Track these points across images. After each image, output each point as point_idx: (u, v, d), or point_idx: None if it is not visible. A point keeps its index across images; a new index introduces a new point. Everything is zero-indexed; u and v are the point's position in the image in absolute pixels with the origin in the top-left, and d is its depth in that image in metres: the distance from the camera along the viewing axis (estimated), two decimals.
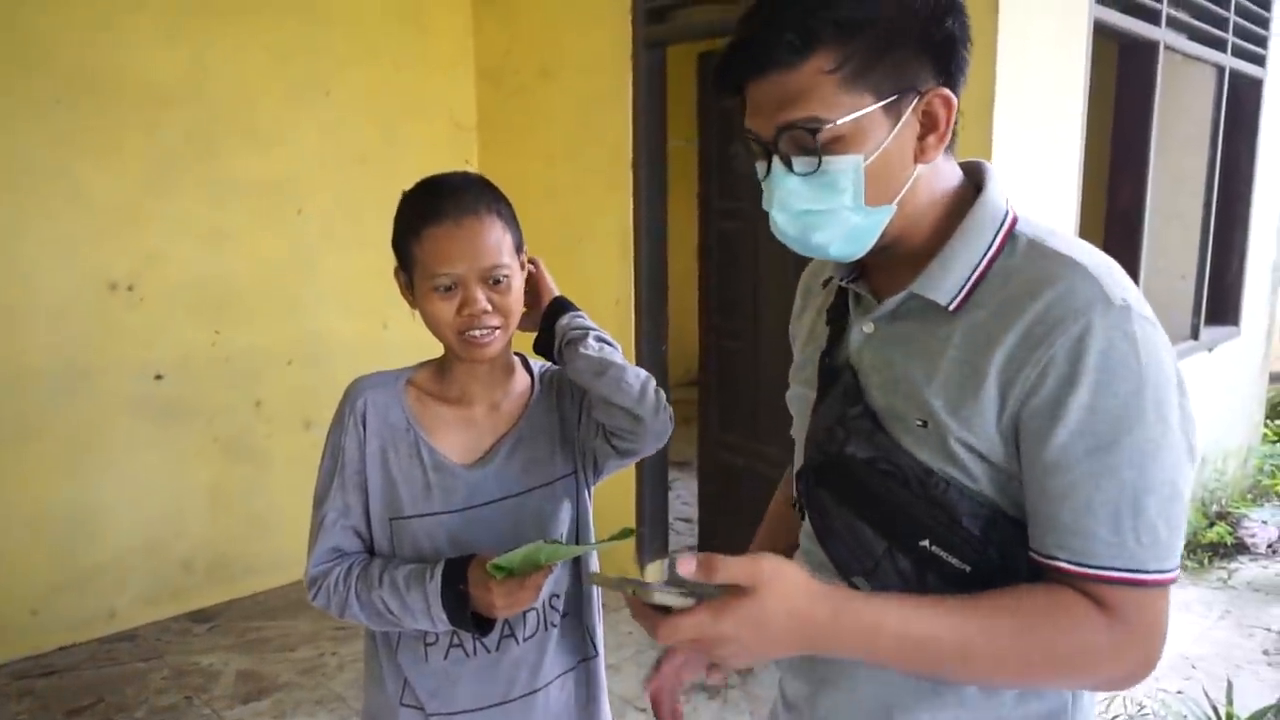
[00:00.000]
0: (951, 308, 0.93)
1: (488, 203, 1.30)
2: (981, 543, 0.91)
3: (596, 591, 1.51)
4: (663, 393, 1.36)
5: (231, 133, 3.72)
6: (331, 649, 3.46)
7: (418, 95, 4.25)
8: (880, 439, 0.96)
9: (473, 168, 4.43)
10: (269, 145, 3.83)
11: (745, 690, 3.13)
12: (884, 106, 0.88)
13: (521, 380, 1.45)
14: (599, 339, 1.35)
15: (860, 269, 1.05)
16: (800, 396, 1.13)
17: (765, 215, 0.97)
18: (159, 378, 3.62)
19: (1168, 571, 0.87)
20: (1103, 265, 0.90)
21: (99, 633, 3.55)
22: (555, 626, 1.43)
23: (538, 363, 1.47)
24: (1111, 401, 0.84)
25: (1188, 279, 4.48)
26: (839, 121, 0.88)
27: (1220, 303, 4.83)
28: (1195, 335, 4.52)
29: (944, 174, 0.96)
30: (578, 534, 1.46)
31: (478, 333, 1.28)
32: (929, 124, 0.91)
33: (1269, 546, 4.41)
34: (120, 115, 3.43)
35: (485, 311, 1.27)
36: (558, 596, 1.44)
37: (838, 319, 1.08)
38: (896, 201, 0.93)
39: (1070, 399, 0.84)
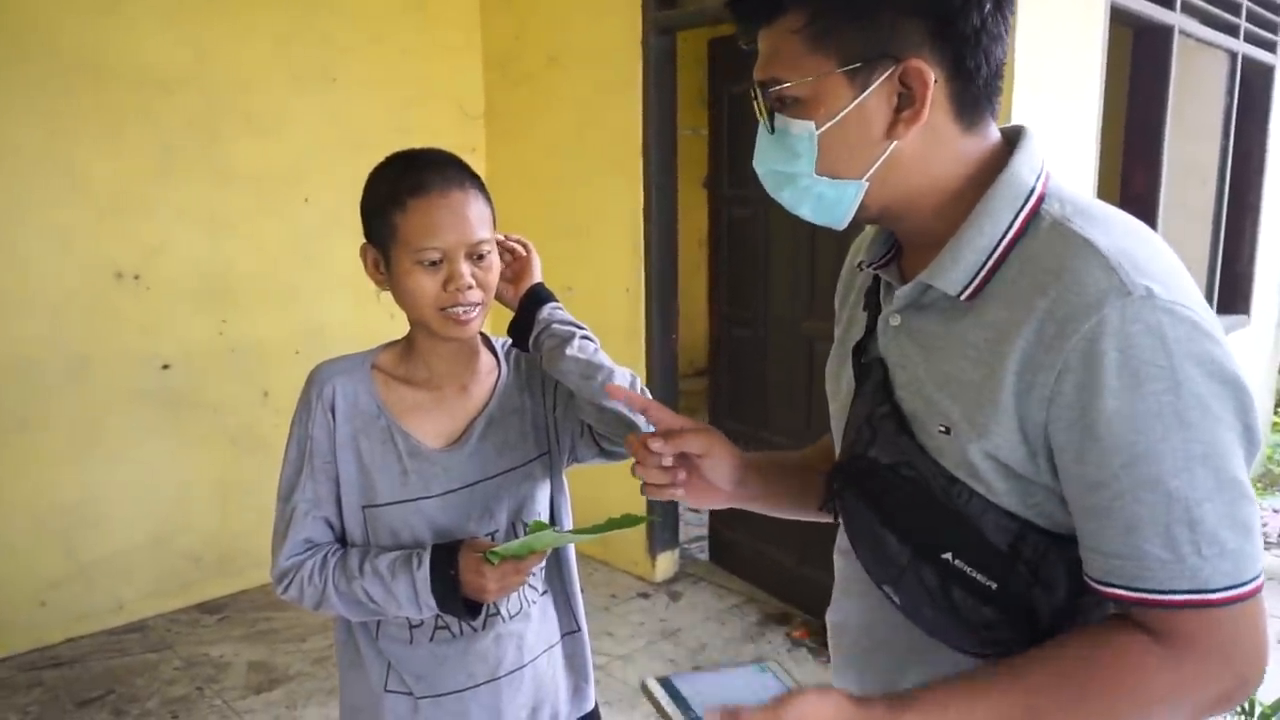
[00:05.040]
0: (964, 297, 0.85)
1: (469, 176, 1.30)
2: (1009, 559, 0.84)
3: (575, 565, 1.51)
4: (648, 393, 1.33)
5: (234, 120, 3.68)
6: None
7: (424, 82, 4.21)
8: (904, 443, 0.90)
9: (480, 155, 4.39)
10: (273, 132, 3.79)
11: None
12: (847, 73, 0.82)
13: (487, 360, 1.43)
14: (585, 338, 1.33)
15: (895, 249, 0.98)
16: (833, 385, 1.08)
17: (775, 202, 0.94)
18: (166, 367, 3.59)
19: (1245, 585, 0.77)
20: (1126, 247, 0.79)
21: (107, 624, 3.53)
22: (535, 604, 1.43)
23: (499, 340, 1.46)
24: (1142, 406, 0.75)
25: (1193, 269, 4.46)
26: (791, 84, 0.85)
27: (1231, 292, 4.80)
28: None
29: (963, 151, 0.87)
30: (553, 515, 1.46)
31: (460, 309, 1.26)
32: (907, 98, 0.83)
33: None
34: (121, 102, 3.40)
35: (470, 287, 1.25)
36: (534, 574, 1.43)
37: (873, 306, 1.01)
38: (867, 177, 0.86)
39: (1096, 408, 0.76)
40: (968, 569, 0.86)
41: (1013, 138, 0.91)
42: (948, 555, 0.87)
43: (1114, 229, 0.82)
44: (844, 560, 1.08)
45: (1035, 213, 0.85)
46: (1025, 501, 0.84)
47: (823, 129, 0.85)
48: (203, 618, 3.65)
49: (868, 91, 0.83)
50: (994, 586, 0.85)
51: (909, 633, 0.96)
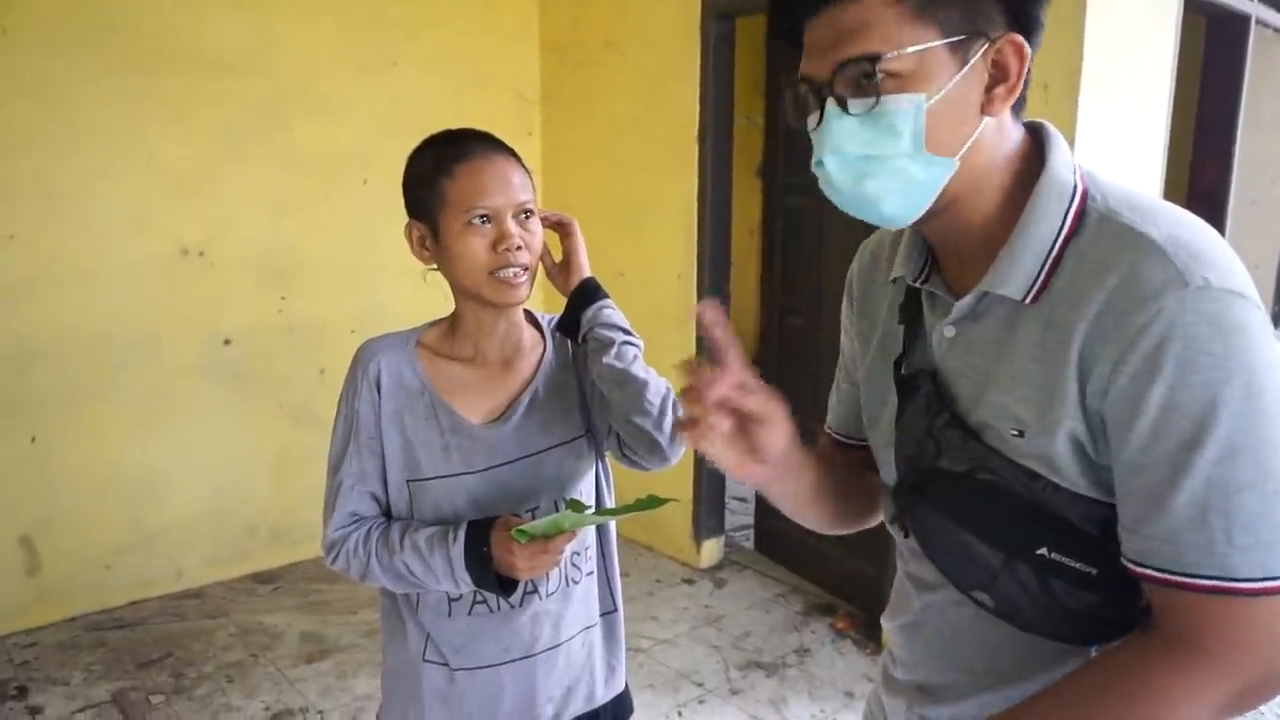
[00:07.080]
0: (1028, 301, 0.86)
1: (506, 146, 1.35)
2: (1102, 541, 0.85)
3: (616, 547, 1.53)
4: (679, 408, 1.33)
5: (299, 103, 3.76)
6: None
7: (483, 67, 4.25)
8: (973, 448, 0.90)
9: (536, 140, 4.43)
10: (336, 116, 3.86)
11: (804, 670, 3.11)
12: (950, 45, 0.82)
13: (532, 336, 1.45)
14: (626, 343, 1.35)
15: (931, 263, 0.98)
16: (875, 403, 1.07)
17: None
18: (228, 343, 3.69)
19: (1274, 579, 0.77)
20: (1178, 236, 0.80)
21: (167, 589, 3.66)
22: (577, 583, 1.44)
23: (544, 316, 1.48)
24: (1191, 395, 0.76)
25: (1262, 268, 4.33)
26: (902, 54, 0.81)
27: None
28: (1276, 324, 4.37)
29: (1009, 135, 0.89)
30: (597, 494, 1.47)
31: (510, 271, 1.28)
32: (998, 74, 0.84)
33: None
34: (192, 84, 3.49)
35: (519, 247, 1.28)
36: (578, 554, 1.44)
37: (911, 321, 1.00)
38: (959, 156, 0.85)
39: (1148, 394, 0.77)
40: (1066, 559, 0.87)
41: (1037, 132, 0.93)
42: (1043, 550, 0.88)
43: (1162, 219, 0.83)
44: (914, 568, 1.06)
45: (1083, 209, 0.86)
46: (1105, 486, 0.85)
47: (932, 102, 0.83)
48: (258, 587, 3.75)
49: (968, 65, 0.83)
50: (1094, 572, 0.86)
51: (996, 627, 0.95)
